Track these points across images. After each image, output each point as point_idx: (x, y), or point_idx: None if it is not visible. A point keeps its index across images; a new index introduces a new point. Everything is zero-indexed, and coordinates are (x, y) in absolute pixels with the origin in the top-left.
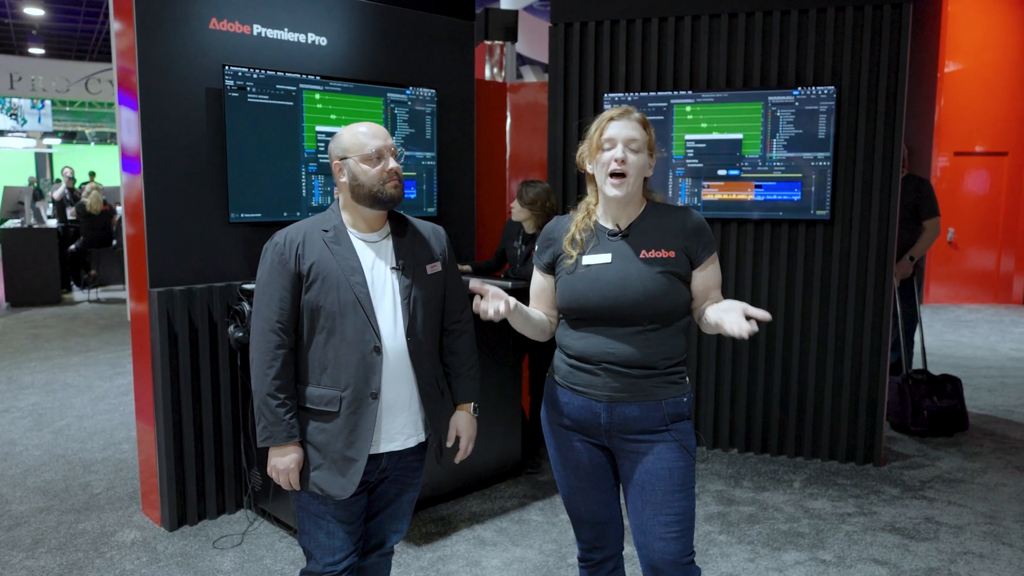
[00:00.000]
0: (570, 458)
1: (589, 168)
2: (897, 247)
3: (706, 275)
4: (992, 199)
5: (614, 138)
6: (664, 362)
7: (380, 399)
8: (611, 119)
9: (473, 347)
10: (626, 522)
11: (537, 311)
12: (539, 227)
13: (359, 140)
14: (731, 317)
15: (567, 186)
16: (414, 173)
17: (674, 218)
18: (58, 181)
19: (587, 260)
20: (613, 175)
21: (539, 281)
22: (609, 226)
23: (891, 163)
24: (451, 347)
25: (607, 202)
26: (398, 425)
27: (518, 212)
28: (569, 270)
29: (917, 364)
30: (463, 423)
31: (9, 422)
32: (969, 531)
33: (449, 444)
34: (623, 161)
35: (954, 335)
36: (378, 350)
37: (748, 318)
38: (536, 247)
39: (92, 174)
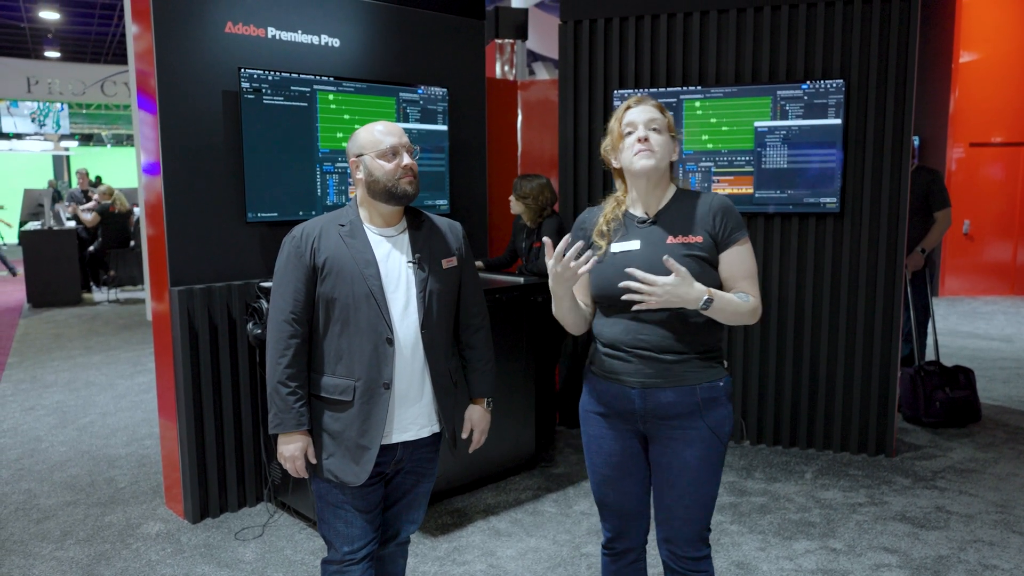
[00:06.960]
0: (604, 447)
1: (615, 162)
2: (909, 239)
3: (731, 259)
4: (1008, 190)
5: (634, 122)
6: (697, 347)
7: (393, 389)
8: (628, 108)
9: (489, 342)
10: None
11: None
12: (534, 221)
13: (375, 137)
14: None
15: (578, 182)
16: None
17: (701, 202)
18: (71, 193)
19: (616, 248)
20: (639, 152)
21: None
22: (639, 214)
23: (900, 155)
24: (468, 342)
25: (636, 183)
26: (411, 415)
27: (514, 205)
28: (599, 259)
29: (930, 356)
30: (476, 417)
31: (35, 419)
32: (980, 520)
33: (464, 437)
34: (646, 139)
35: (970, 327)
36: (390, 342)
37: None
38: (569, 238)
39: (99, 178)
